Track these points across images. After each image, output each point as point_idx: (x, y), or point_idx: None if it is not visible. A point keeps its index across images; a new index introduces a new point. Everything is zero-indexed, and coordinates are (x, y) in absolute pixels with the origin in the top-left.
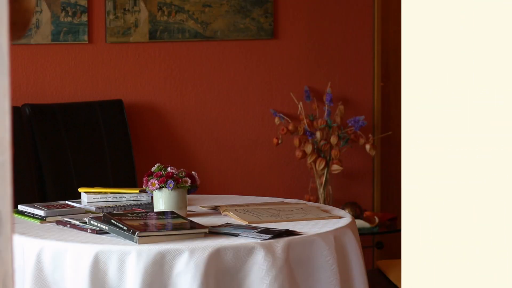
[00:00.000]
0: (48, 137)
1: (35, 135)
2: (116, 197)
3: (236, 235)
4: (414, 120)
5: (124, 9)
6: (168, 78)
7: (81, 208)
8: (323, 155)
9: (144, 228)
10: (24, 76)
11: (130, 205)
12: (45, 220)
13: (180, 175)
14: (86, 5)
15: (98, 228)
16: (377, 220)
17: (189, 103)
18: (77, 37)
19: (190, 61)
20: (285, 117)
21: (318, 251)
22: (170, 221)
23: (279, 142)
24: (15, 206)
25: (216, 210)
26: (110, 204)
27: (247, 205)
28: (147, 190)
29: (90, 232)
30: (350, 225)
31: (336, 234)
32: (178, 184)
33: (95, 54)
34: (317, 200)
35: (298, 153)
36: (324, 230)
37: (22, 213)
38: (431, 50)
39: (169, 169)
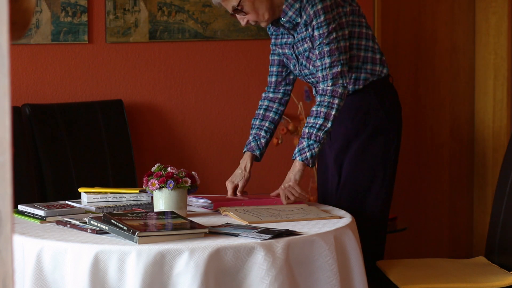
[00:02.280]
0: (48, 137)
1: (35, 135)
2: (116, 197)
3: (236, 235)
4: None
5: (124, 9)
6: (168, 78)
7: (81, 208)
8: None
9: (144, 228)
10: (24, 76)
11: (130, 205)
12: (45, 220)
13: (180, 175)
14: (86, 5)
15: (98, 228)
16: None
17: (189, 103)
18: (77, 37)
19: (190, 61)
20: (285, 117)
21: (318, 251)
22: (170, 221)
23: (279, 142)
24: (15, 206)
25: (216, 210)
26: (110, 204)
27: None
28: (147, 190)
29: (90, 232)
30: (350, 225)
31: (336, 234)
32: (178, 184)
33: (95, 54)
34: (317, 200)
35: None
36: (324, 230)
37: (22, 213)
38: None
39: (169, 169)
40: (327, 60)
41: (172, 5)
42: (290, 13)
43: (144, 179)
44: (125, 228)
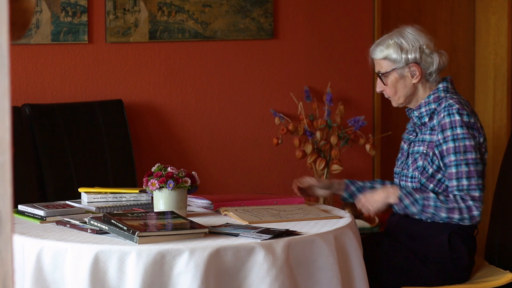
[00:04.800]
0: (48, 137)
1: (35, 135)
2: (116, 197)
3: (236, 235)
4: None
5: (124, 9)
6: (168, 78)
7: (81, 208)
8: (323, 155)
9: (144, 228)
10: (24, 76)
11: (130, 205)
12: (45, 220)
13: (180, 175)
14: (86, 5)
15: (98, 228)
16: (377, 220)
17: (189, 103)
18: (77, 37)
19: (190, 61)
20: (285, 117)
21: (318, 251)
22: (170, 221)
23: (279, 142)
24: (15, 206)
25: (216, 210)
26: (110, 204)
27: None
28: (147, 190)
29: (90, 232)
30: (350, 225)
31: (336, 234)
32: (178, 184)
33: (95, 54)
34: (317, 200)
35: (298, 153)
36: (324, 230)
37: (22, 213)
38: None
39: (169, 169)
40: (465, 182)
41: (172, 5)
42: (422, 109)
43: (144, 179)
44: (125, 228)
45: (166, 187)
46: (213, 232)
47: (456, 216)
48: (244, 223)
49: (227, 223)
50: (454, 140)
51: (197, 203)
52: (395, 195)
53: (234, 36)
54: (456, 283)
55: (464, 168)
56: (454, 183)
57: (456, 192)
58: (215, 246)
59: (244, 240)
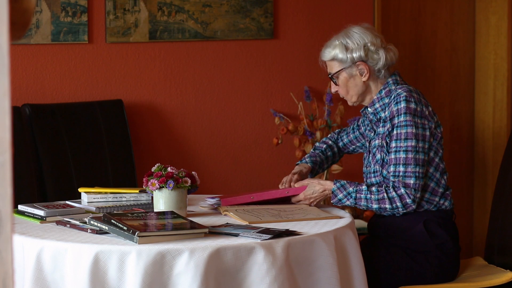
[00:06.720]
0: (48, 137)
1: (35, 135)
2: (116, 197)
3: (236, 235)
4: None
5: (124, 9)
6: (168, 78)
7: (81, 208)
8: None
9: (144, 228)
10: (24, 76)
11: (130, 205)
12: (45, 220)
13: (180, 175)
14: (86, 5)
15: (98, 228)
16: None
17: (189, 103)
18: (77, 37)
19: (190, 61)
20: (285, 117)
21: (318, 251)
22: (170, 221)
23: (279, 142)
24: (15, 206)
25: (216, 210)
26: (110, 204)
27: (247, 205)
28: (147, 190)
29: (90, 232)
30: (350, 225)
31: (336, 234)
32: (178, 184)
33: (95, 54)
34: None
35: (298, 153)
36: (324, 230)
37: (22, 213)
38: None
39: (169, 169)
40: (401, 169)
41: (172, 5)
42: (377, 105)
43: (144, 179)
44: (125, 228)
45: (166, 187)
46: (213, 232)
47: (387, 206)
48: (244, 223)
49: (227, 223)
50: (397, 127)
51: (210, 202)
52: (330, 189)
53: (234, 36)
54: (447, 270)
55: (402, 155)
56: (391, 168)
57: (391, 178)
58: (215, 246)
59: (244, 240)
